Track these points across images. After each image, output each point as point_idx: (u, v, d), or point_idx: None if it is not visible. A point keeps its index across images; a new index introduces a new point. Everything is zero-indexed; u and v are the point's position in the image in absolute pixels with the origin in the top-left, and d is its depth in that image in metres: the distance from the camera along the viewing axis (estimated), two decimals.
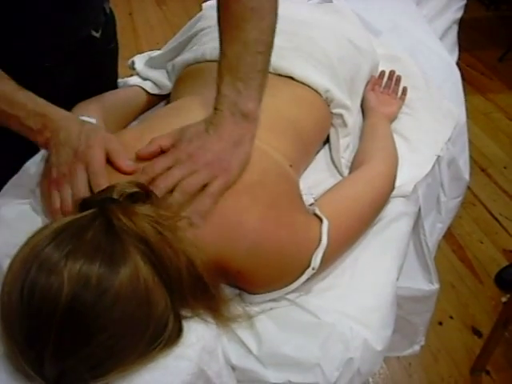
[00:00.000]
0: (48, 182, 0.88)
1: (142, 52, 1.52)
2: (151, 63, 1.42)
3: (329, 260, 0.90)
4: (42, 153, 1.00)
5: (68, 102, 1.15)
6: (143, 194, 0.78)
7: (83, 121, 0.93)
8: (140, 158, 0.88)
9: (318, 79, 1.17)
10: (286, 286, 0.87)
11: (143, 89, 1.35)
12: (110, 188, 0.76)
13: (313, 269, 0.86)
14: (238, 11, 0.89)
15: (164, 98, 1.38)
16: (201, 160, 0.84)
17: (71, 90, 1.21)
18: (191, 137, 0.87)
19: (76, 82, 1.22)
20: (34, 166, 1.01)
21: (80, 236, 0.68)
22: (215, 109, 0.89)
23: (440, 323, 1.97)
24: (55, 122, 0.89)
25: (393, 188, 1.07)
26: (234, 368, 0.82)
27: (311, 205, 0.94)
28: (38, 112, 0.90)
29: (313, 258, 0.86)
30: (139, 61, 1.45)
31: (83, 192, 0.82)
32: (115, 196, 0.74)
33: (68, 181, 0.84)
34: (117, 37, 1.36)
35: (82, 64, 1.21)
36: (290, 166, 0.98)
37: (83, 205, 0.75)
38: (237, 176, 0.86)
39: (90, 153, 0.84)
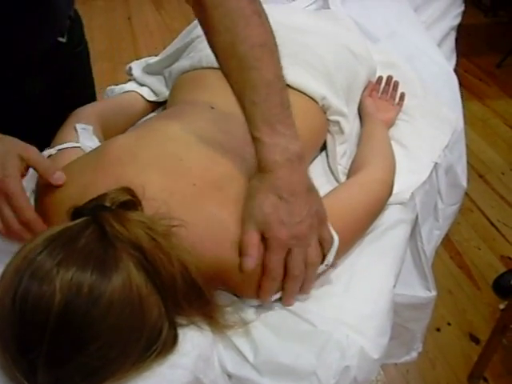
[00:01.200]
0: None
1: (141, 57, 1.52)
2: (148, 69, 1.42)
3: None
4: None
5: (43, 110, 1.18)
6: (135, 202, 0.78)
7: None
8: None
9: (315, 86, 1.17)
10: None
11: (140, 95, 1.35)
12: (102, 196, 0.76)
13: (326, 265, 0.88)
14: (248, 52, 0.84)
15: (161, 104, 1.38)
16: (306, 231, 0.82)
17: (44, 99, 1.20)
18: (279, 217, 0.81)
19: (48, 89, 1.21)
20: (32, 171, 1.01)
21: (72, 244, 0.68)
22: (267, 163, 0.82)
23: (438, 330, 1.97)
24: None
25: (390, 194, 1.07)
26: (230, 376, 0.82)
27: None
28: None
29: (327, 256, 0.87)
30: (136, 67, 1.45)
31: (14, 225, 0.82)
32: (107, 204, 0.74)
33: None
34: (85, 38, 1.33)
35: (51, 71, 1.20)
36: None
37: (75, 213, 0.75)
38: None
39: (8, 185, 0.81)
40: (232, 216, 0.84)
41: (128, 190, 0.78)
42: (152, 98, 1.35)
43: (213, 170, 0.90)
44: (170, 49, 1.46)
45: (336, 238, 0.87)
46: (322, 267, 0.87)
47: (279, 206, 0.81)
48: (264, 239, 0.81)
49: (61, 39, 1.19)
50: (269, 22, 0.88)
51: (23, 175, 0.85)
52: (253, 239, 0.81)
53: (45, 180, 0.86)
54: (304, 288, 0.86)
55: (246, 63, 0.83)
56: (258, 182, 0.84)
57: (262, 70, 0.83)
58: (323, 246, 0.85)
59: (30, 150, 0.86)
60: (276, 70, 0.85)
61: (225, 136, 0.97)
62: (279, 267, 0.82)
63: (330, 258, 0.87)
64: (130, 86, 1.39)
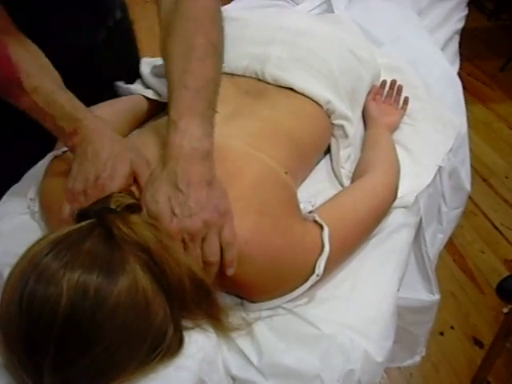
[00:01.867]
0: (64, 189, 0.88)
1: None
2: (155, 71, 1.43)
3: (330, 267, 0.90)
4: (43, 162, 1.01)
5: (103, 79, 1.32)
6: (139, 205, 0.78)
7: (116, 138, 0.91)
8: None
9: (319, 91, 1.17)
10: (289, 292, 0.88)
11: (145, 97, 1.35)
12: (106, 198, 0.77)
13: (317, 275, 0.87)
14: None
15: (165, 107, 1.38)
16: (199, 225, 0.79)
17: (108, 70, 1.32)
18: (169, 208, 0.80)
19: (111, 61, 1.31)
20: (34, 175, 1.01)
21: (78, 246, 0.68)
22: (173, 148, 0.83)
23: (441, 333, 1.96)
24: (87, 131, 0.89)
25: (394, 198, 1.07)
26: (234, 379, 0.82)
27: (310, 212, 0.94)
28: (73, 115, 0.89)
29: (317, 265, 0.87)
30: (146, 65, 1.45)
31: None
32: (112, 206, 0.75)
33: (81, 201, 0.84)
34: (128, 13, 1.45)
35: (113, 44, 1.28)
36: (286, 172, 0.98)
37: (80, 216, 0.75)
38: (231, 209, 0.83)
39: (110, 185, 0.84)
40: None
41: (131, 193, 0.79)
42: (155, 97, 1.35)
43: (212, 170, 0.90)
44: None
45: (327, 248, 0.87)
46: (312, 278, 0.87)
47: (172, 196, 0.80)
48: None
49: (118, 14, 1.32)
50: (222, 25, 0.93)
51: (130, 183, 0.87)
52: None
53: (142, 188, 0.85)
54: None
55: (194, 54, 0.87)
56: (158, 170, 0.84)
57: (206, 67, 0.87)
58: (223, 247, 0.81)
59: (141, 158, 0.89)
60: (216, 74, 0.89)
61: (226, 139, 0.98)
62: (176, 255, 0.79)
63: (321, 267, 0.86)
64: (136, 86, 1.39)
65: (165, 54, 0.92)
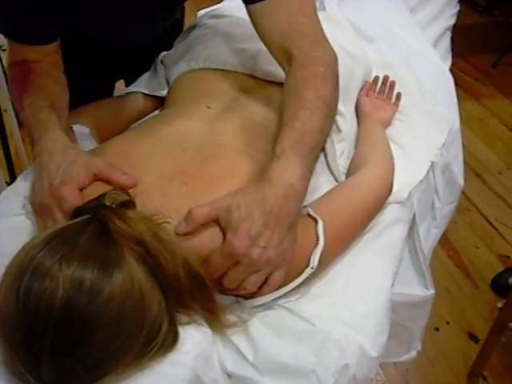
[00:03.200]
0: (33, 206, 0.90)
1: None
2: (164, 59, 1.44)
3: (324, 261, 0.90)
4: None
5: (141, 69, 1.47)
6: (133, 202, 0.79)
7: (69, 146, 0.92)
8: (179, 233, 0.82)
9: None
10: (284, 284, 0.88)
11: (140, 93, 1.35)
12: (101, 196, 0.77)
13: (312, 268, 0.87)
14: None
15: (160, 105, 1.38)
16: (262, 259, 0.79)
17: (141, 59, 1.46)
18: (247, 227, 0.78)
19: (146, 52, 1.45)
20: (29, 174, 1.01)
21: (73, 240, 0.68)
22: (273, 175, 0.84)
23: (436, 329, 1.97)
24: (46, 140, 0.91)
25: (389, 192, 1.08)
26: (229, 375, 0.82)
27: (305, 207, 0.94)
28: (43, 126, 0.94)
29: (311, 258, 0.87)
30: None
31: None
32: (107, 203, 0.75)
33: (47, 213, 0.86)
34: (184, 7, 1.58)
35: (155, 38, 1.37)
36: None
37: (76, 213, 0.76)
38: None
39: (63, 191, 0.84)
40: None
41: (124, 190, 0.79)
42: (152, 93, 1.35)
43: (206, 169, 0.90)
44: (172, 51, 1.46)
45: (322, 241, 0.87)
46: (307, 270, 0.87)
47: (257, 221, 0.79)
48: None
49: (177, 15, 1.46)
50: (338, 91, 1.00)
51: (87, 184, 0.87)
52: (203, 215, 0.80)
53: (116, 184, 0.86)
54: (237, 292, 0.85)
55: (305, 104, 0.92)
56: (253, 187, 0.84)
57: (313, 116, 0.91)
58: (266, 284, 0.83)
59: (95, 160, 0.89)
60: (324, 126, 0.93)
61: (219, 136, 0.98)
62: (219, 270, 0.80)
63: (315, 260, 0.87)
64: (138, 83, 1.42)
65: (280, 108, 0.98)
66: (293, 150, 0.87)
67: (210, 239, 0.82)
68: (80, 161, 0.88)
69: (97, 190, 0.84)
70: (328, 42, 1.04)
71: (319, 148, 0.92)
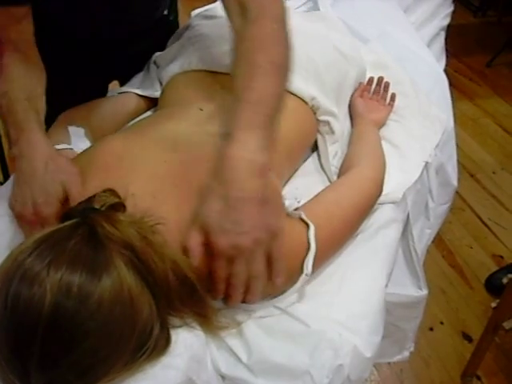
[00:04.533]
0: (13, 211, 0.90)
1: None
2: (156, 60, 1.43)
3: (317, 264, 0.90)
4: None
5: (135, 70, 1.46)
6: (123, 204, 0.78)
7: (50, 157, 0.91)
8: None
9: (304, 87, 1.17)
10: (280, 293, 0.88)
11: (135, 93, 1.35)
12: (91, 198, 0.77)
13: (306, 275, 0.86)
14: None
15: (153, 105, 1.38)
16: (249, 243, 0.77)
17: (134, 60, 1.44)
18: (220, 223, 0.78)
19: (139, 53, 1.43)
20: None
21: (62, 245, 0.68)
22: (229, 159, 0.82)
23: (431, 329, 1.98)
24: (24, 144, 0.91)
25: (380, 192, 1.08)
26: (223, 377, 0.82)
27: (296, 210, 0.93)
28: (21, 125, 0.93)
29: (304, 265, 0.86)
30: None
31: None
32: (96, 206, 0.75)
33: (27, 225, 0.87)
34: (177, 8, 1.57)
35: (147, 37, 1.39)
36: (270, 170, 0.98)
37: (65, 216, 0.75)
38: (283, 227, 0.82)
39: (46, 212, 0.85)
40: None
41: (114, 193, 0.79)
42: (145, 93, 1.35)
43: (196, 170, 0.90)
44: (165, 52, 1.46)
45: (314, 246, 0.87)
46: (302, 278, 0.87)
47: (224, 212, 0.78)
48: None
49: (166, 12, 1.44)
50: (292, 49, 0.94)
51: (62, 201, 0.87)
52: (193, 240, 0.79)
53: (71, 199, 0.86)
54: (248, 299, 0.82)
55: (258, 71, 0.88)
56: (212, 182, 0.82)
57: (266, 83, 0.87)
58: (271, 265, 0.81)
59: (73, 177, 0.89)
60: (277, 91, 0.89)
61: (211, 137, 0.97)
62: (220, 273, 0.79)
63: (309, 267, 0.86)
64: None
65: (231, 73, 0.94)
66: (248, 123, 0.84)
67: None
68: (59, 178, 0.87)
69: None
70: None
71: (277, 114, 0.88)
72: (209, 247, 0.78)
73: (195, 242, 0.79)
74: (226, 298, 0.82)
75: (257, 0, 0.94)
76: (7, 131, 0.95)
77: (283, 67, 0.92)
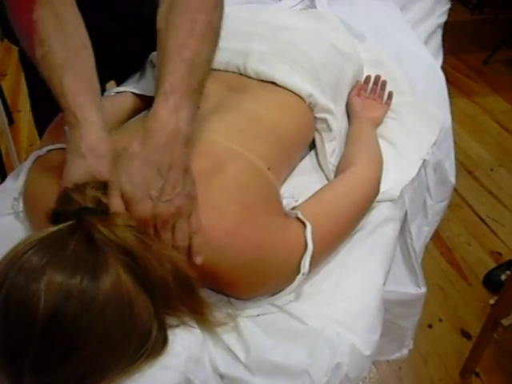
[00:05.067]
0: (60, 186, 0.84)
1: None
2: (153, 59, 1.43)
3: (315, 263, 0.90)
4: (27, 164, 1.00)
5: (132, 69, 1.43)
6: None
7: (105, 139, 0.87)
8: None
9: (301, 84, 1.17)
10: (277, 292, 0.88)
11: (131, 93, 1.34)
12: (83, 196, 0.75)
13: (303, 274, 0.86)
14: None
15: (149, 105, 1.37)
16: (173, 212, 0.78)
17: (131, 59, 1.41)
18: (144, 190, 0.77)
19: (136, 52, 1.40)
20: (18, 175, 1.01)
21: (59, 250, 0.68)
22: (156, 122, 0.81)
23: (429, 326, 1.98)
24: (77, 122, 0.85)
25: (377, 191, 1.08)
26: (222, 376, 0.82)
27: (293, 208, 0.93)
28: (62, 97, 0.87)
29: (302, 264, 0.86)
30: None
31: None
32: (90, 205, 0.74)
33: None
34: None
35: (145, 34, 1.29)
36: (268, 168, 0.98)
37: (56, 215, 0.74)
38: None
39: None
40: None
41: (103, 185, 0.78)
42: (143, 92, 1.35)
43: (195, 165, 0.89)
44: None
45: (310, 246, 0.87)
46: (299, 277, 0.87)
47: (151, 179, 0.77)
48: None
49: None
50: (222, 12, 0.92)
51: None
52: (115, 206, 0.77)
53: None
54: None
55: (195, 30, 0.86)
56: (137, 146, 0.80)
57: (204, 45, 0.86)
58: (191, 234, 0.80)
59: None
60: (211, 57, 0.89)
61: (209, 134, 0.98)
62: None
63: (306, 266, 0.86)
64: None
65: (163, 25, 0.90)
66: (183, 85, 0.82)
67: None
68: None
69: None
70: None
71: (205, 81, 0.87)
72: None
73: (117, 208, 0.77)
74: None
75: None
76: (54, 95, 0.88)
77: (218, 35, 0.90)
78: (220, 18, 0.91)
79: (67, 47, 0.89)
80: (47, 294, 0.63)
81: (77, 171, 0.82)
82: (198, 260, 0.80)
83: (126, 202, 0.77)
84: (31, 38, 0.88)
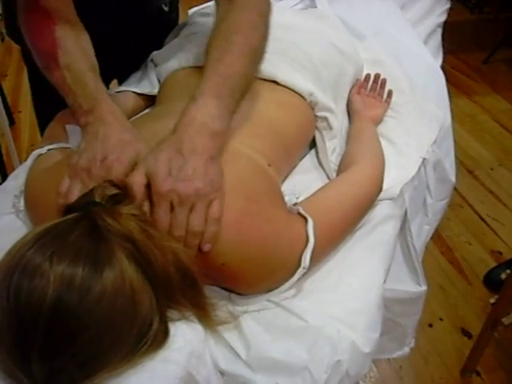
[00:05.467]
0: (68, 163, 0.89)
1: None
2: (155, 58, 1.44)
3: (316, 259, 0.90)
4: (28, 163, 1.01)
5: (134, 68, 1.46)
6: (124, 194, 0.78)
7: (128, 127, 0.93)
8: None
9: (302, 83, 1.17)
10: (277, 286, 0.88)
11: (132, 92, 1.35)
12: (90, 192, 0.77)
13: (304, 268, 0.87)
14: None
15: (152, 103, 1.38)
16: (189, 191, 0.79)
17: (133, 58, 1.45)
18: (165, 168, 0.80)
19: (138, 51, 1.43)
20: (18, 174, 1.01)
21: (63, 238, 0.69)
22: (186, 118, 0.87)
23: (430, 325, 1.98)
24: (103, 112, 0.92)
25: (380, 189, 1.08)
26: (222, 373, 0.82)
27: (295, 204, 0.94)
28: (94, 95, 0.94)
29: (302, 258, 0.87)
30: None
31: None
32: (97, 199, 0.75)
33: (83, 177, 0.85)
34: (178, 6, 1.58)
35: (146, 34, 1.39)
36: (269, 165, 0.98)
37: (66, 211, 0.76)
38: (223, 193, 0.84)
39: (116, 166, 0.84)
40: None
41: (113, 183, 0.79)
42: (144, 91, 1.35)
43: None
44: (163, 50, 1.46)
45: (312, 239, 0.87)
46: (299, 271, 0.87)
47: (173, 158, 0.81)
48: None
49: (164, 7, 1.44)
50: (267, 41, 1.00)
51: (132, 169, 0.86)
52: (136, 178, 0.80)
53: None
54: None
55: (230, 48, 0.93)
56: (168, 137, 0.86)
57: (238, 61, 0.92)
58: (208, 220, 0.81)
59: (147, 151, 0.88)
60: (247, 72, 0.94)
61: None
62: (164, 220, 0.79)
63: (306, 260, 0.87)
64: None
65: (206, 48, 0.97)
66: (212, 91, 0.89)
67: None
68: (136, 145, 0.89)
69: None
70: None
71: (240, 92, 0.93)
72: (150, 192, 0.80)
73: (138, 180, 0.80)
74: None
75: None
76: (73, 102, 0.95)
77: (257, 52, 0.97)
78: (261, 39, 0.98)
79: (87, 58, 1.00)
80: (53, 286, 0.64)
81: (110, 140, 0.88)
82: (206, 247, 0.81)
83: (149, 178, 0.80)
84: (50, 58, 0.97)
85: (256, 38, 0.97)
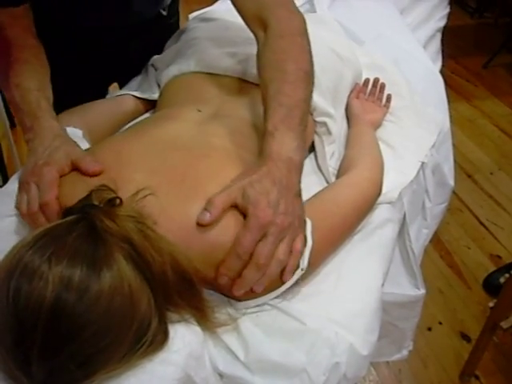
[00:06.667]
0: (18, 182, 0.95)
1: None
2: (155, 63, 1.44)
3: (314, 261, 0.90)
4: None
5: (134, 72, 1.49)
6: (119, 198, 0.79)
7: (59, 135, 0.98)
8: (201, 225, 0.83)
9: None
10: (276, 288, 0.88)
11: (132, 95, 1.35)
12: (88, 195, 0.78)
13: (302, 269, 0.87)
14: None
15: (151, 108, 1.39)
16: (285, 224, 0.83)
17: (133, 62, 1.47)
18: (266, 198, 0.83)
19: (138, 55, 1.45)
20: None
21: (62, 239, 0.69)
22: (271, 153, 0.89)
23: (429, 329, 1.98)
24: (39, 127, 0.98)
25: (379, 193, 1.08)
26: (221, 375, 0.82)
27: None
28: (34, 113, 1.00)
29: (301, 260, 0.87)
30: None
31: (34, 206, 0.88)
32: (95, 202, 0.76)
33: (26, 189, 0.91)
34: (178, 11, 1.61)
35: (146, 38, 1.42)
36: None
37: (66, 214, 0.76)
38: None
39: (44, 170, 0.89)
40: None
41: (110, 187, 0.80)
42: (143, 96, 1.36)
43: (196, 168, 0.91)
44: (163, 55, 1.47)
45: (310, 241, 0.88)
46: (297, 272, 0.87)
47: (271, 192, 0.84)
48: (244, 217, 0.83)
49: (163, 12, 1.47)
50: (311, 53, 1.02)
51: (67, 171, 0.91)
52: (223, 201, 0.83)
53: (83, 171, 0.90)
54: (258, 284, 0.84)
55: (288, 78, 0.96)
56: (256, 167, 0.88)
57: (297, 89, 0.95)
58: (293, 254, 0.85)
59: (77, 149, 0.95)
60: (307, 96, 0.97)
61: (210, 137, 0.99)
62: (249, 247, 0.81)
63: (305, 261, 0.87)
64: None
65: (261, 82, 1.00)
66: (284, 124, 0.91)
67: (234, 222, 0.83)
68: (64, 148, 0.94)
69: (75, 179, 0.89)
70: (299, 10, 1.07)
71: (306, 117, 0.96)
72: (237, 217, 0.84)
73: (221, 200, 0.83)
74: (235, 282, 0.83)
75: (277, 16, 1.02)
76: (20, 119, 1.03)
77: (310, 73, 1.00)
78: (309, 59, 1.01)
79: (37, 78, 1.07)
80: (51, 287, 0.65)
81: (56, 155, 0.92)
82: (288, 277, 0.85)
83: (246, 208, 0.83)
84: (5, 78, 1.06)
85: (306, 61, 1.00)
